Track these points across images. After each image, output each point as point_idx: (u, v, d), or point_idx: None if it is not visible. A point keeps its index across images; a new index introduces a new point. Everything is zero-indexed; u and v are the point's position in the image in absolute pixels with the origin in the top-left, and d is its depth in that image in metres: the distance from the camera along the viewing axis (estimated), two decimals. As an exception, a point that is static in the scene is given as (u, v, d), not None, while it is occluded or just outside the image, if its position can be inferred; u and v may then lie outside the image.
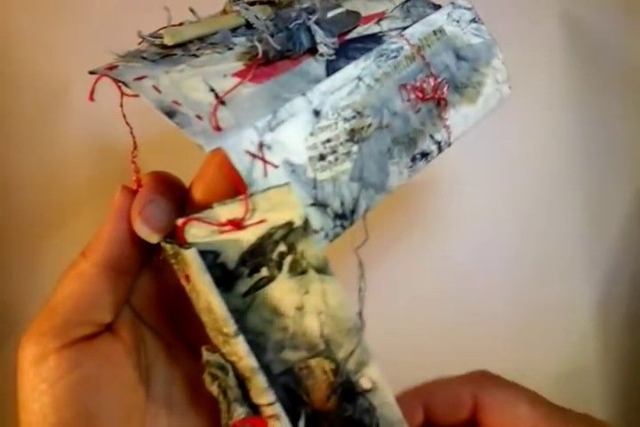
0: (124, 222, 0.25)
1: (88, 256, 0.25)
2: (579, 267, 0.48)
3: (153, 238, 0.24)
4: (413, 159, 0.27)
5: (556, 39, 0.49)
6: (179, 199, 0.25)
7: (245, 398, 0.24)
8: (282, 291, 0.23)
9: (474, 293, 0.48)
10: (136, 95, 0.23)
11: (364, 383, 0.24)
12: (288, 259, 0.23)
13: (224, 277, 0.23)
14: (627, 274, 0.50)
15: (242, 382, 0.24)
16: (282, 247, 0.22)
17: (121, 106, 0.25)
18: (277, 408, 0.24)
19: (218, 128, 0.22)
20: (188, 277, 0.23)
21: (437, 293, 0.48)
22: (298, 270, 0.23)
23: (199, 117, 0.22)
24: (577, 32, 0.49)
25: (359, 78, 0.26)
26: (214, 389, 0.24)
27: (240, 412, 0.24)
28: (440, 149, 0.28)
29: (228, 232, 0.22)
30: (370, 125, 0.26)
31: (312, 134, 0.24)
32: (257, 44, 0.24)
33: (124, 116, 0.26)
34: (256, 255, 0.23)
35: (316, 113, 0.24)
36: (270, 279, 0.23)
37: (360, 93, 0.25)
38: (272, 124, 0.23)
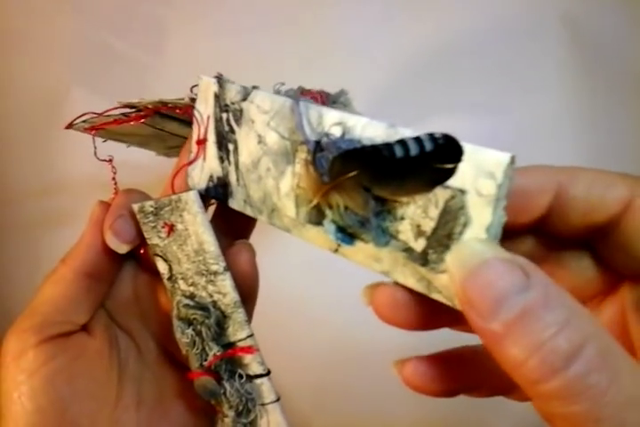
0: (100, 234, 0.29)
1: (67, 263, 0.29)
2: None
3: (121, 249, 0.29)
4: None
5: (556, 39, 0.49)
6: None
7: (219, 338, 0.28)
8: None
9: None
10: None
11: None
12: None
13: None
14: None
15: (218, 323, 0.28)
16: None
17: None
18: (254, 340, 0.28)
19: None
20: (171, 228, 0.28)
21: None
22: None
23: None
24: (577, 32, 0.49)
25: None
26: (188, 333, 0.28)
27: (217, 349, 0.28)
28: None
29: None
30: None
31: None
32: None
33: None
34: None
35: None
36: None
37: None
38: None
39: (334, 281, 0.48)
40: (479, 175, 0.20)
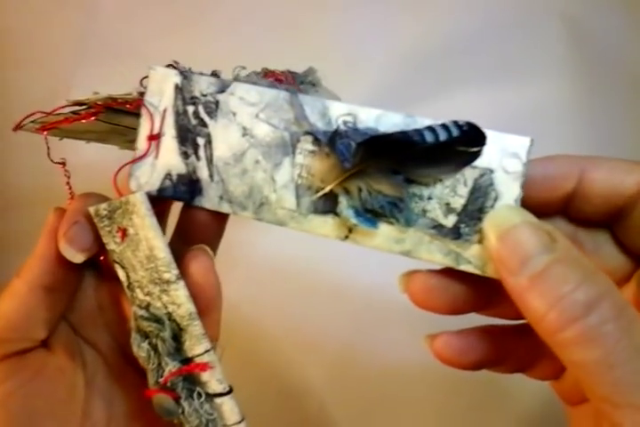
0: (54, 243, 0.26)
1: (21, 276, 0.27)
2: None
3: (77, 258, 0.26)
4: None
5: (556, 39, 0.49)
6: None
7: (176, 353, 0.26)
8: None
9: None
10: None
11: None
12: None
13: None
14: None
15: (174, 337, 0.26)
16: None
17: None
18: (213, 356, 0.26)
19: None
20: (124, 232, 0.26)
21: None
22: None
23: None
24: (577, 32, 0.49)
25: None
26: (144, 347, 0.26)
27: (173, 365, 0.26)
28: None
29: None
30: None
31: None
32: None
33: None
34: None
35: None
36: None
37: None
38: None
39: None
40: (505, 156, 0.23)
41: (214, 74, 0.29)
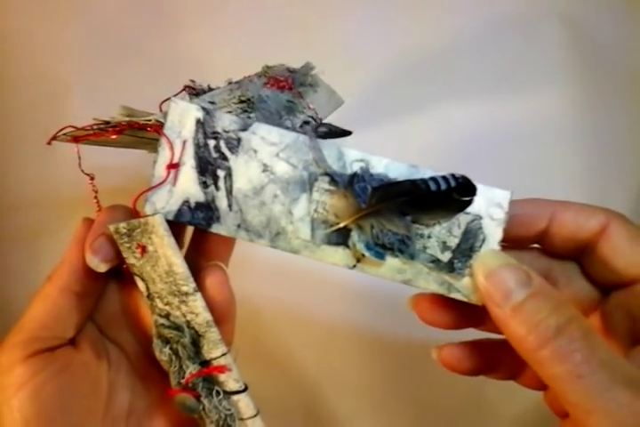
0: (82, 252, 0.29)
1: (52, 281, 0.29)
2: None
3: (100, 268, 0.29)
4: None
5: (556, 39, 0.50)
6: None
7: (196, 356, 0.29)
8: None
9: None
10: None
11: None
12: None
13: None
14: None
15: (193, 342, 0.29)
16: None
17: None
18: (229, 359, 0.30)
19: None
20: (144, 249, 0.29)
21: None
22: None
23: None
24: (577, 32, 0.50)
25: None
26: (165, 352, 0.29)
27: (193, 368, 0.29)
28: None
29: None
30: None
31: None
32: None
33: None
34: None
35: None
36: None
37: None
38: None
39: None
40: (491, 205, 0.28)
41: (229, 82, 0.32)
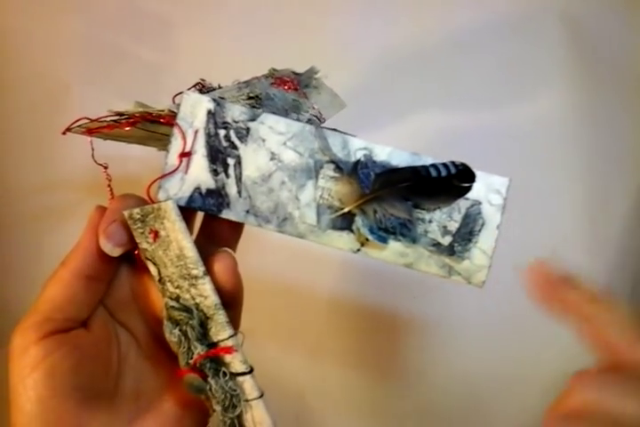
0: (95, 238, 0.30)
1: (66, 265, 0.30)
2: (577, 266, 0.46)
3: (114, 252, 0.30)
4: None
5: (556, 39, 0.50)
6: None
7: (204, 338, 0.30)
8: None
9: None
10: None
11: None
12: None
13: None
14: (627, 273, 0.51)
15: (202, 324, 0.30)
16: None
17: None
18: (236, 340, 0.31)
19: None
20: (156, 234, 0.30)
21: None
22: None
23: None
24: (577, 32, 0.50)
25: None
26: (175, 333, 0.30)
27: (201, 349, 0.30)
28: None
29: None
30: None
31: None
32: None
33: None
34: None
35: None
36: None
37: None
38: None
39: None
40: (490, 191, 0.29)
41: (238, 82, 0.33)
